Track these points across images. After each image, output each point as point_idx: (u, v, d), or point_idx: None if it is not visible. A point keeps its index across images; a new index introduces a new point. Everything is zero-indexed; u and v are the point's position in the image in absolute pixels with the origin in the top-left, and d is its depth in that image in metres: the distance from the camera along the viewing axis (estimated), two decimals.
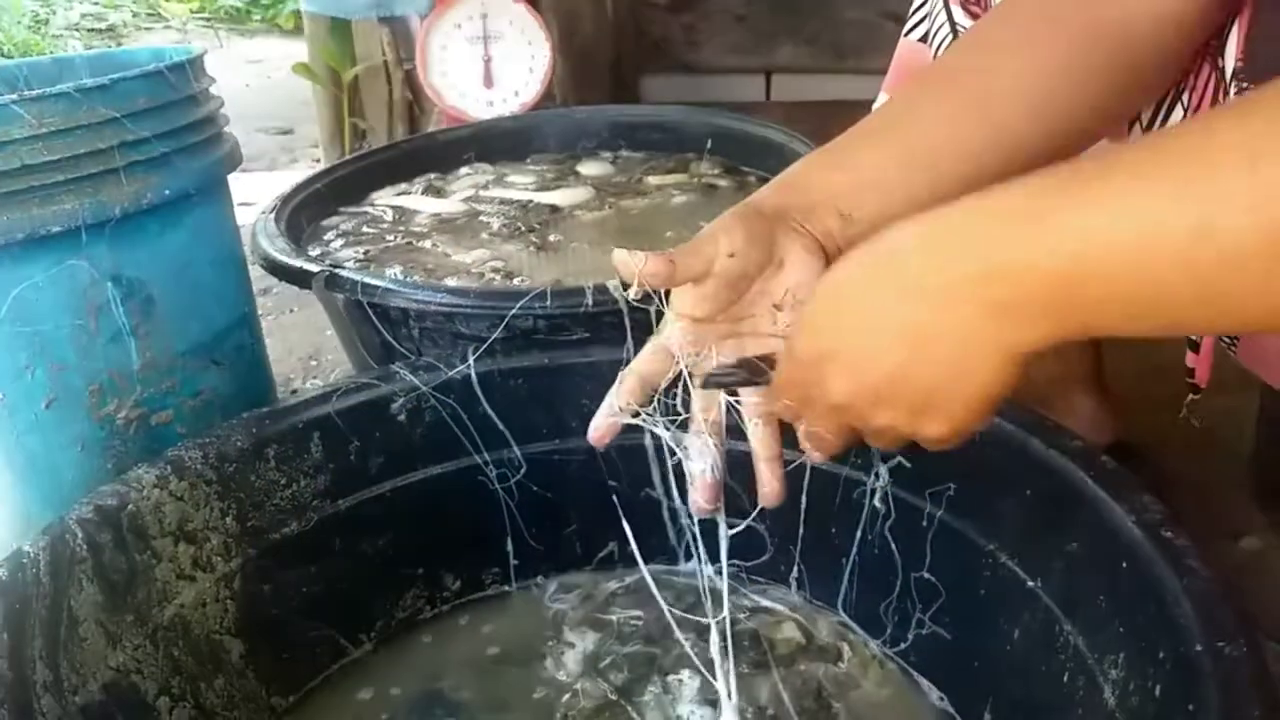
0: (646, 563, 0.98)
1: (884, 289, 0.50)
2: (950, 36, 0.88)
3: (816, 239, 0.64)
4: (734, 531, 0.71)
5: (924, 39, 0.94)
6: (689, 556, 0.97)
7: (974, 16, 0.86)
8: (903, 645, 0.84)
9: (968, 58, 0.68)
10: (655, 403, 0.68)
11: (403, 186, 1.48)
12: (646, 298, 0.65)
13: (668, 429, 0.68)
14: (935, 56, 0.90)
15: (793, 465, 0.69)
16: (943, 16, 0.89)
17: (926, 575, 0.80)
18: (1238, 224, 0.37)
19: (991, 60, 0.65)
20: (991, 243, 0.45)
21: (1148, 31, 0.63)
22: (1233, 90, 0.65)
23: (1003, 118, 0.63)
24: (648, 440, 0.92)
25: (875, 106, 0.97)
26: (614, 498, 0.95)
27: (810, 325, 0.56)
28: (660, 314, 0.69)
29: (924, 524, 0.79)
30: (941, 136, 0.64)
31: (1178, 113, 0.71)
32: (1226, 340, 0.80)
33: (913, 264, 0.49)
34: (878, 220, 0.61)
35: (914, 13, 0.95)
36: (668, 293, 0.66)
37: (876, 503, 0.81)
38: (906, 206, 0.61)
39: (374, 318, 1.01)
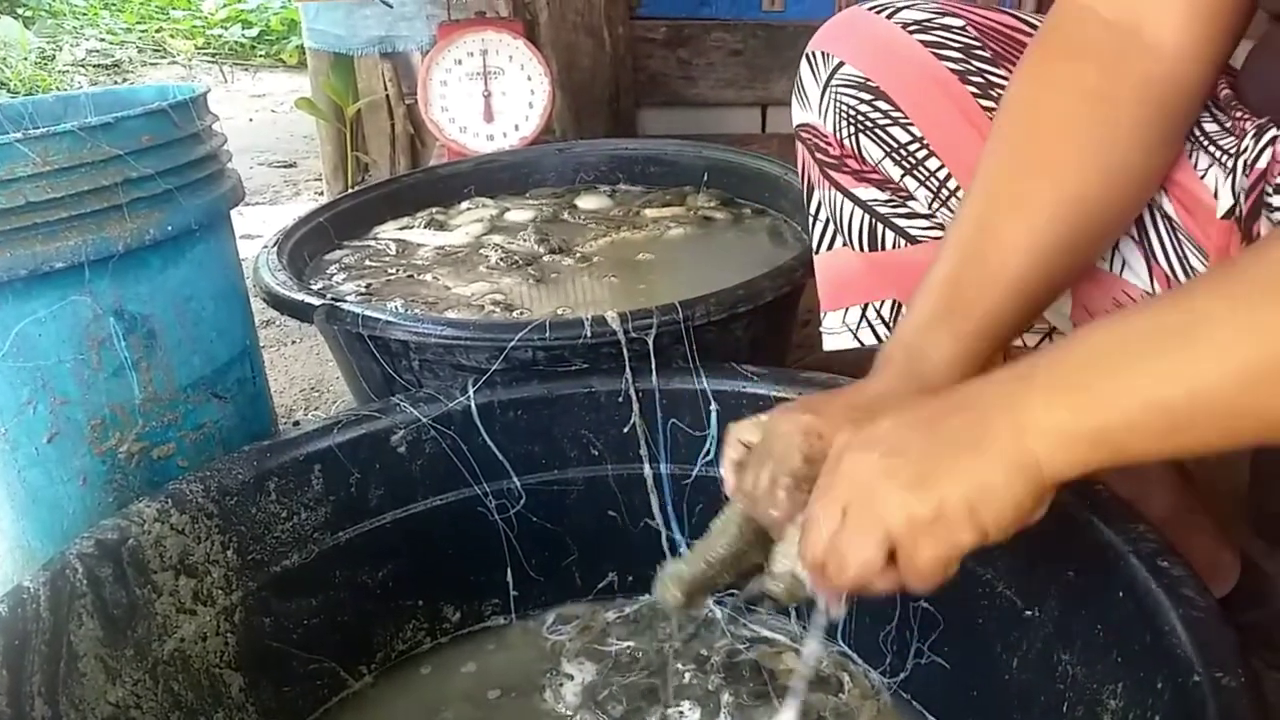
0: (646, 593, 0.99)
1: (916, 404, 0.54)
2: (864, 216, 0.84)
3: None
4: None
5: (844, 244, 0.87)
6: None
7: (876, 186, 0.82)
8: (902, 675, 0.84)
9: (1026, 170, 0.65)
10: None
11: (405, 220, 1.50)
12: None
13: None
14: (855, 246, 0.86)
15: None
16: (847, 205, 0.84)
17: (925, 605, 0.80)
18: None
19: (1057, 168, 0.64)
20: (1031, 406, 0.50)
21: (1174, 89, 0.64)
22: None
23: (1070, 244, 0.64)
24: (647, 470, 0.93)
25: (826, 328, 0.91)
26: (613, 528, 0.95)
27: (841, 440, 0.56)
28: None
29: None
30: (1031, 276, 0.64)
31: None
32: None
33: (950, 397, 0.53)
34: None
35: (814, 225, 0.90)
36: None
37: None
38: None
39: (374, 350, 1.02)
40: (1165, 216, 0.68)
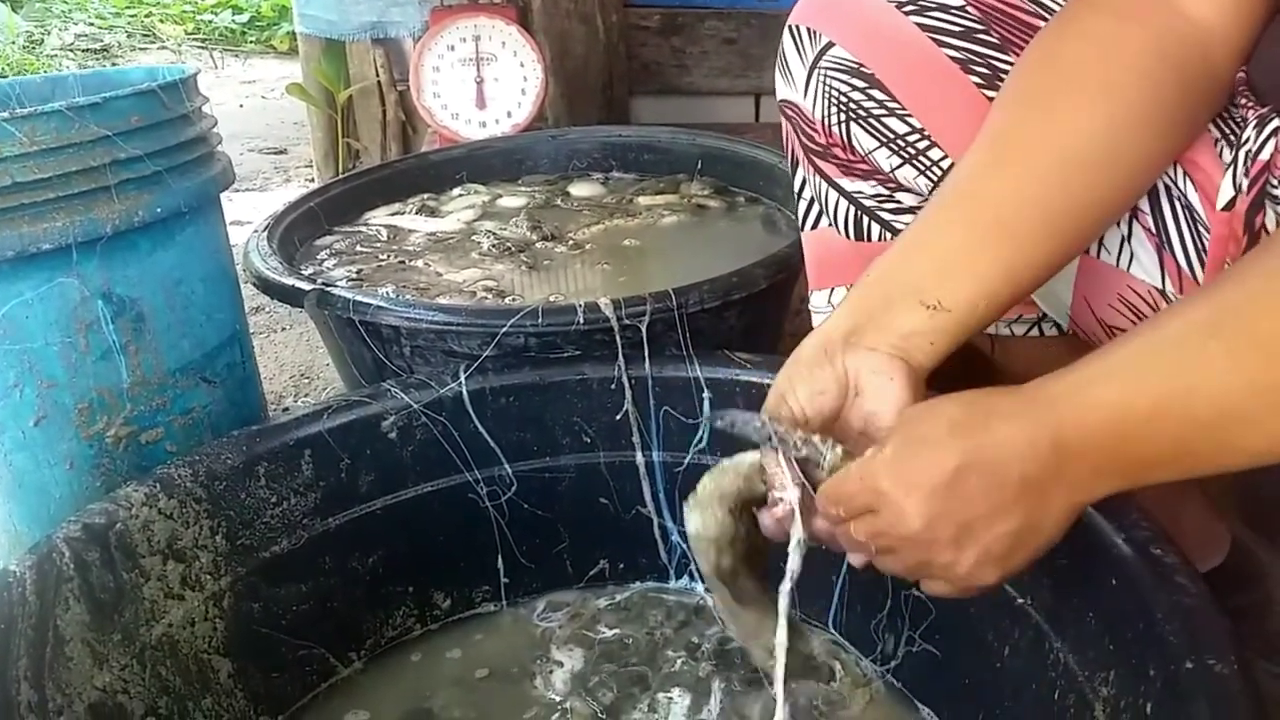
0: (637, 581, 0.98)
1: (974, 445, 0.53)
2: (849, 207, 0.82)
3: (888, 353, 0.61)
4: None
5: (829, 225, 0.85)
6: (679, 575, 0.97)
7: (862, 178, 0.80)
8: (893, 663, 0.84)
9: (1032, 116, 0.63)
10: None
11: (396, 206, 1.49)
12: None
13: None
14: (842, 233, 0.84)
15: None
16: (832, 194, 0.83)
17: (916, 593, 0.80)
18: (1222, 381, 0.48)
19: (1060, 117, 0.62)
20: (1049, 425, 0.52)
21: (1203, 60, 0.62)
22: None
23: (1082, 178, 0.62)
24: (639, 458, 0.93)
25: (814, 307, 0.89)
26: (605, 515, 0.95)
27: (893, 459, 0.55)
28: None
29: None
30: (1024, 208, 0.61)
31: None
32: None
33: (999, 429, 0.53)
34: (975, 305, 0.61)
35: (799, 201, 0.88)
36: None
37: None
38: (1005, 285, 0.62)
39: (365, 336, 1.02)
40: (1187, 206, 0.65)
